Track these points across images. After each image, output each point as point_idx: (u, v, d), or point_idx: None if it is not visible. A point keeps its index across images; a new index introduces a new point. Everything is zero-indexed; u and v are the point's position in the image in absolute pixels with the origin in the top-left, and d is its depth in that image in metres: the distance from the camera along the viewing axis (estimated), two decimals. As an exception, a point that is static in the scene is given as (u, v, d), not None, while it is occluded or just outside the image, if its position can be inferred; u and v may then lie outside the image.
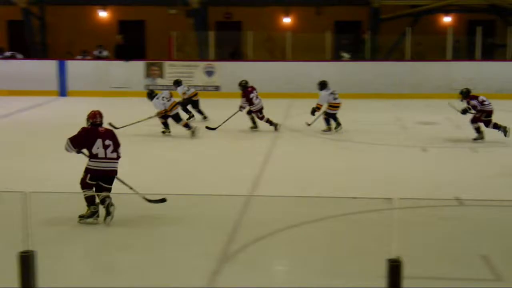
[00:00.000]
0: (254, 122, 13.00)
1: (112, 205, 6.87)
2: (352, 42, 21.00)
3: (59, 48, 21.74)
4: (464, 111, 11.85)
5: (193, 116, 14.24)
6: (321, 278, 5.56)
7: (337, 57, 19.95)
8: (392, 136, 12.49)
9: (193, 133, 12.28)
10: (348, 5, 21.51)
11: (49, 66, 18.79)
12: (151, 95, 12.70)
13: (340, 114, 12.85)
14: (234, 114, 12.87)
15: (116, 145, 7.16)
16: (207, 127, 12.91)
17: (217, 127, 12.83)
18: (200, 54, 20.26)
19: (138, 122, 12.47)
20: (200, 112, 14.37)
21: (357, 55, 20.12)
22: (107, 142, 7.03)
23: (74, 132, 7.16)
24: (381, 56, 20.09)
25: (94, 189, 7.02)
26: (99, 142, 6.97)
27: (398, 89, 18.08)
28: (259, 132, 12.88)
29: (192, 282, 5.40)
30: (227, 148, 11.57)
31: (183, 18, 21.04)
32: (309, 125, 12.80)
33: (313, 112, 12.67)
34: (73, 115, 15.45)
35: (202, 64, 18.84)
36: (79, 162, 7.20)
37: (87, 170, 6.97)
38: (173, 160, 10.52)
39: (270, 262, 6.21)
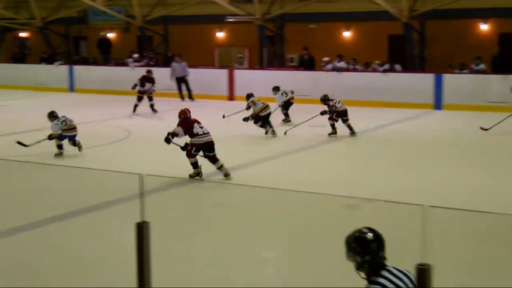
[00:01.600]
0: (334, 127, 13.66)
1: (226, 171, 9.77)
2: None
3: (437, 61, 21.92)
4: None
5: (289, 120, 15.59)
6: None
7: None
8: None
9: (273, 133, 13.79)
10: None
11: (426, 79, 19.04)
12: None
13: None
14: (315, 116, 14.01)
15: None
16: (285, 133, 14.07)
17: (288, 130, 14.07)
18: None
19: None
20: (286, 114, 15.73)
21: None
22: (201, 124, 9.85)
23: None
24: None
25: (199, 155, 9.74)
26: (196, 125, 9.78)
27: None
28: None
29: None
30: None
31: None
32: (486, 129, 13.49)
33: None
34: (444, 127, 15.53)
35: None
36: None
37: (192, 145, 9.71)
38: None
39: None
